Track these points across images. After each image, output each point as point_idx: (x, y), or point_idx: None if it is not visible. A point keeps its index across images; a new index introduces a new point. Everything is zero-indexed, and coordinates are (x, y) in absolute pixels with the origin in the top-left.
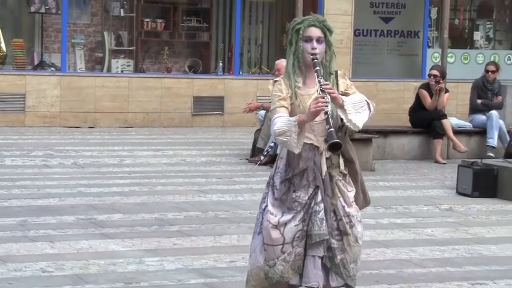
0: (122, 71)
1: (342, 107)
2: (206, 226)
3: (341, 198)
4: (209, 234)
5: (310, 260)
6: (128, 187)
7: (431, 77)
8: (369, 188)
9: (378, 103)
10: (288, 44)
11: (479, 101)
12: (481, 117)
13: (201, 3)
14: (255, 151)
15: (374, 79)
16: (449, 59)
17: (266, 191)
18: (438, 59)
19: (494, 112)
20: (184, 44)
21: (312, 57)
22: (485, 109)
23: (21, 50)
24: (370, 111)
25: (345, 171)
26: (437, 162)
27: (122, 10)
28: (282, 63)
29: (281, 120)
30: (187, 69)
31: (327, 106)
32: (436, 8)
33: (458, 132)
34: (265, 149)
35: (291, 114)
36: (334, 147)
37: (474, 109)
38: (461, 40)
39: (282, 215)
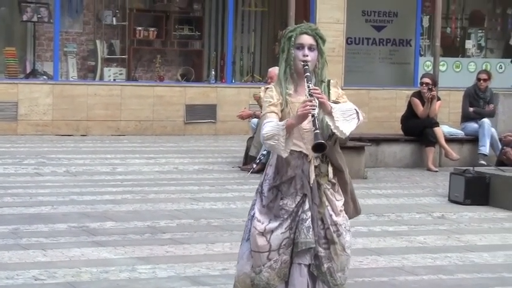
0: (114, 80)
1: (330, 113)
2: (199, 234)
3: (329, 207)
4: (202, 242)
5: (296, 268)
6: (121, 195)
7: (424, 85)
8: (361, 196)
9: (370, 111)
10: (280, 51)
11: (471, 109)
12: (473, 125)
13: (193, 12)
14: (248, 159)
15: (366, 87)
16: (441, 67)
17: (255, 198)
18: (430, 67)
19: (486, 120)
20: (176, 52)
21: (302, 63)
22: (477, 117)
23: (14, 59)
24: (358, 120)
25: (334, 180)
26: (429, 170)
27: (114, 19)
28: (274, 71)
29: (270, 124)
30: (179, 78)
31: (314, 109)
32: (428, 17)
33: (450, 140)
34: (258, 157)
35: (282, 121)
36: (318, 148)
37: (466, 117)
38: (453, 48)
39: (269, 222)
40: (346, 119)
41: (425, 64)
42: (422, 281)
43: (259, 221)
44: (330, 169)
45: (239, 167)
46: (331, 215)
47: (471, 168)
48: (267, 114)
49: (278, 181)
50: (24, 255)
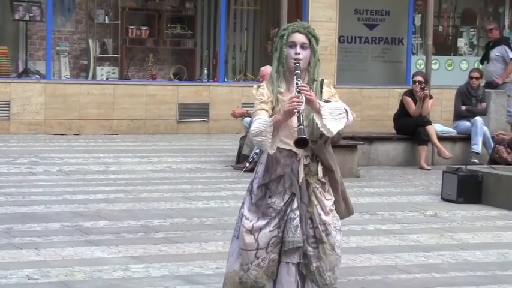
0: (106, 78)
1: (318, 111)
2: (192, 233)
3: (318, 206)
4: (195, 240)
5: (283, 266)
6: (114, 194)
7: (417, 83)
8: (355, 194)
9: (363, 110)
10: (273, 50)
11: (463, 108)
12: (465, 124)
13: (185, 11)
14: (241, 158)
15: (359, 86)
16: (433, 66)
17: (245, 196)
18: (422, 66)
19: (478, 118)
20: (169, 51)
21: (294, 61)
22: (469, 115)
23: (6, 58)
24: (347, 120)
25: (324, 180)
26: (422, 168)
27: (106, 17)
28: (266, 70)
29: (258, 121)
30: (172, 76)
31: (300, 105)
32: (420, 15)
33: (442, 138)
34: (251, 156)
35: None
36: (300, 143)
37: (458, 115)
38: (446, 47)
39: (257, 221)
40: (334, 118)
41: (417, 62)
42: (416, 279)
43: (247, 218)
44: (320, 168)
45: (232, 166)
46: (320, 214)
47: (464, 166)
48: (257, 112)
49: (267, 179)
50: (18, 255)
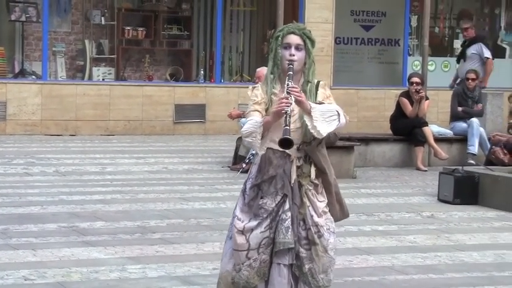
0: (103, 79)
1: (309, 113)
2: (189, 233)
3: (310, 208)
4: (192, 241)
5: (275, 267)
6: (110, 195)
7: (414, 85)
8: (351, 195)
9: (359, 111)
10: (269, 51)
11: (460, 109)
12: (461, 125)
13: (182, 12)
14: (237, 159)
15: (355, 87)
16: (429, 67)
17: (239, 197)
18: (419, 67)
19: (474, 120)
20: (165, 52)
21: (288, 63)
22: (466, 117)
23: (2, 58)
24: (339, 122)
25: (317, 181)
26: (418, 169)
27: (102, 18)
28: (262, 71)
29: (250, 122)
30: (168, 77)
31: (288, 106)
32: (417, 16)
33: (439, 139)
34: (247, 157)
35: None
36: (284, 143)
37: (455, 117)
38: (442, 48)
39: (249, 221)
40: (325, 120)
41: (413, 64)
42: (412, 280)
43: (239, 219)
44: (313, 170)
45: (228, 167)
46: (312, 216)
47: (460, 167)
48: (250, 113)
49: (259, 180)
50: (14, 255)
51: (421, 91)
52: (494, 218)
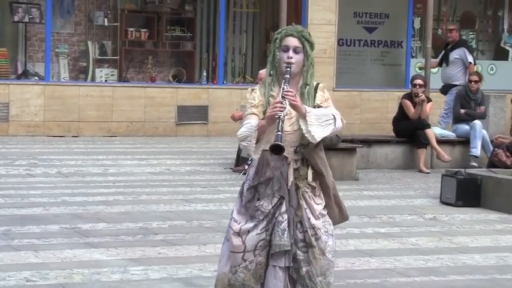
0: (105, 81)
1: (304, 117)
2: (191, 235)
3: (307, 210)
4: (194, 243)
5: (271, 270)
6: (112, 196)
7: (417, 87)
8: (353, 198)
9: (362, 113)
10: (268, 53)
11: (462, 111)
12: (464, 127)
13: (184, 13)
14: (240, 160)
15: (358, 89)
16: (432, 69)
17: (236, 199)
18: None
19: (477, 122)
20: (168, 53)
21: (285, 66)
22: (468, 119)
23: (5, 59)
24: (335, 127)
25: (314, 184)
26: (421, 171)
27: (105, 19)
28: (264, 73)
29: (246, 126)
30: (171, 79)
31: (282, 111)
32: (420, 18)
33: (441, 141)
34: (250, 158)
35: None
36: (275, 150)
37: (457, 119)
38: None
39: (245, 223)
40: (320, 124)
41: (416, 65)
42: (414, 283)
43: (235, 221)
44: (310, 172)
45: (231, 169)
46: (309, 218)
47: (463, 169)
48: (247, 116)
49: (256, 181)
50: (16, 257)
51: (421, 95)
52: (496, 220)
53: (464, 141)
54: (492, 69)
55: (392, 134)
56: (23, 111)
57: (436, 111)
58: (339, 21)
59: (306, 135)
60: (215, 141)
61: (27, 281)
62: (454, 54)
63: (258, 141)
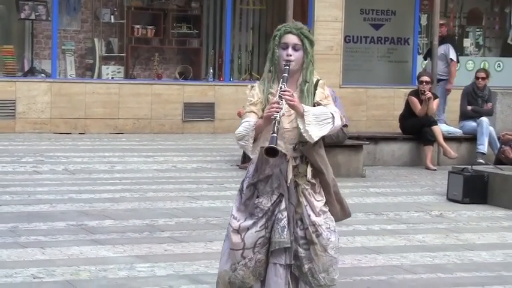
0: (112, 78)
1: (302, 116)
2: (197, 232)
3: (307, 207)
4: (200, 240)
5: (271, 267)
6: (119, 193)
7: (423, 84)
8: (360, 195)
9: (368, 109)
10: (268, 50)
11: (469, 108)
12: (471, 124)
13: (191, 10)
14: (246, 157)
15: (364, 85)
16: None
17: (236, 196)
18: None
19: (484, 119)
20: (174, 50)
21: (284, 63)
22: (475, 116)
23: (12, 57)
24: (333, 126)
25: (314, 181)
26: (427, 168)
27: (112, 17)
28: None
29: (243, 125)
30: (177, 76)
31: (278, 112)
32: (426, 15)
33: (448, 138)
34: None
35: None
36: (269, 152)
37: (464, 116)
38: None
39: (245, 220)
40: (318, 123)
41: (423, 62)
42: (421, 280)
43: (235, 218)
44: (309, 170)
45: (237, 166)
46: (309, 215)
47: (469, 166)
48: (246, 114)
49: (255, 179)
50: (23, 254)
51: (427, 92)
52: (503, 217)
53: (471, 138)
54: (499, 66)
55: (399, 131)
56: (30, 108)
57: None
58: (345, 18)
59: (304, 134)
60: (221, 138)
61: (34, 278)
62: (440, 50)
63: (256, 140)
